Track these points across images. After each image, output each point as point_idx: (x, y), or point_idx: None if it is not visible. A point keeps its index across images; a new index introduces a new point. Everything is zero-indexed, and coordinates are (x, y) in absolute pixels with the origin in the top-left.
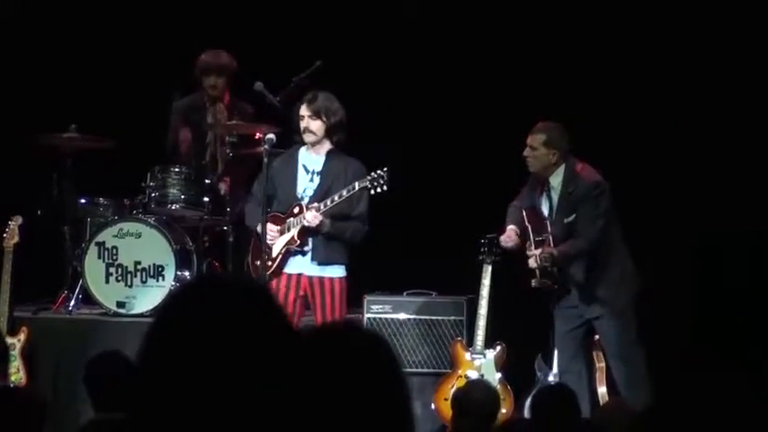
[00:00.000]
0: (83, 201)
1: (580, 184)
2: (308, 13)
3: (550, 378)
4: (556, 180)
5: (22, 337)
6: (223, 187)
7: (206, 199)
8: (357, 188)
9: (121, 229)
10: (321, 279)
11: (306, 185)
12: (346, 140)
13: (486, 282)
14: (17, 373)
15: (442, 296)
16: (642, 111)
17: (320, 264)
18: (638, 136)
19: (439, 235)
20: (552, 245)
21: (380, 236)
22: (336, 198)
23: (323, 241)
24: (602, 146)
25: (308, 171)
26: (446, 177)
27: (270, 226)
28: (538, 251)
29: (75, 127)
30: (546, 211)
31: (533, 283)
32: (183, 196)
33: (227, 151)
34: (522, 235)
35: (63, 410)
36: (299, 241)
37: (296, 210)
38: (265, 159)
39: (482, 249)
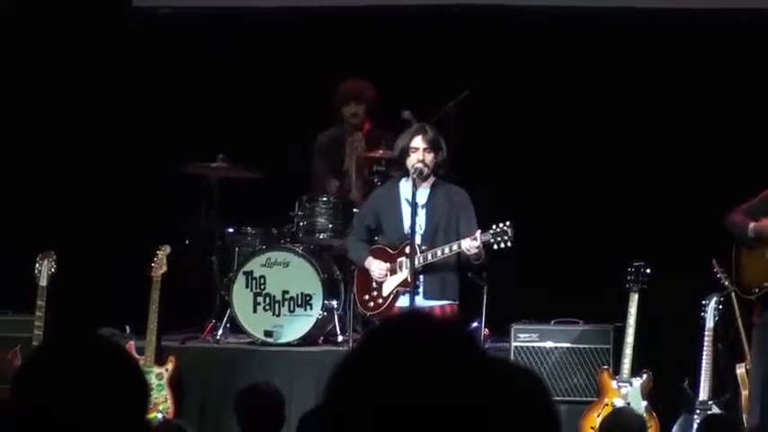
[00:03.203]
0: (230, 230)
1: None
2: (459, 42)
3: (698, 407)
4: None
5: (170, 366)
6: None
7: None
8: (479, 240)
9: (269, 259)
10: (432, 309)
11: (413, 220)
12: (451, 174)
13: (632, 310)
14: (164, 403)
15: (589, 324)
16: None
17: (433, 300)
18: None
19: (586, 263)
20: None
21: (528, 264)
22: (451, 249)
23: (434, 279)
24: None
25: (412, 205)
26: (594, 204)
27: (378, 263)
28: None
29: (222, 156)
30: None
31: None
32: (330, 225)
33: (376, 180)
34: None
35: None
36: (411, 284)
37: (407, 249)
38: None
39: (629, 277)
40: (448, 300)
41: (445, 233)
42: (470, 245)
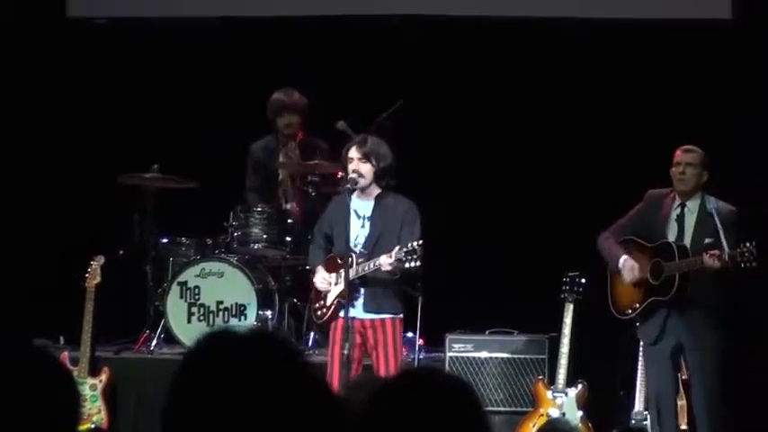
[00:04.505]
0: (165, 240)
1: (723, 208)
2: (392, 52)
3: (633, 418)
4: (694, 203)
5: (104, 377)
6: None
7: (288, 238)
8: (394, 257)
9: (204, 269)
10: (373, 321)
11: (357, 232)
12: (396, 185)
13: (567, 320)
14: (98, 414)
15: (524, 334)
16: None
17: (372, 313)
18: None
19: (521, 273)
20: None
21: (462, 275)
22: (375, 264)
23: (374, 293)
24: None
25: (359, 216)
26: (529, 214)
27: (322, 273)
28: (714, 252)
29: (157, 167)
30: (672, 234)
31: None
32: (265, 236)
33: (310, 191)
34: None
35: None
36: (347, 296)
37: (349, 261)
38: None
39: (564, 287)
40: (388, 313)
41: (386, 245)
42: (386, 261)
